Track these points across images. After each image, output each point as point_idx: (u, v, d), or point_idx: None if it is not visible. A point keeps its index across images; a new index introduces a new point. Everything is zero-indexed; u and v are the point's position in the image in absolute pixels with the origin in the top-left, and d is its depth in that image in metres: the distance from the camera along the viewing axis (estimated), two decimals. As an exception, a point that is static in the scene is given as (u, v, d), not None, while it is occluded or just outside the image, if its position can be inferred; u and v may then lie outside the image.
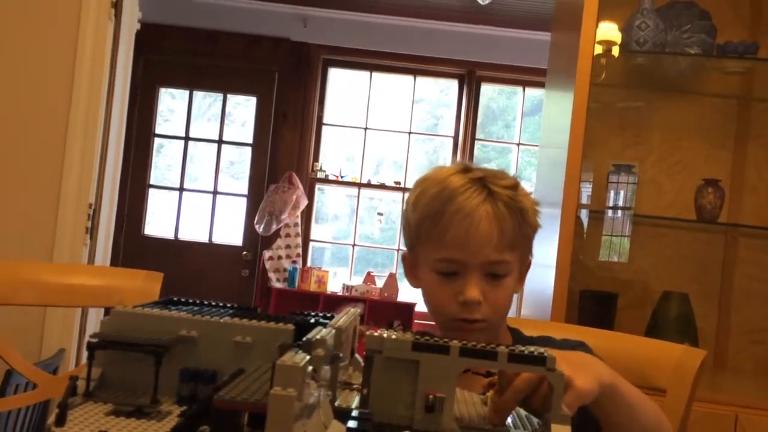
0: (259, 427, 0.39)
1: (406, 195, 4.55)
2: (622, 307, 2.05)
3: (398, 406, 0.51)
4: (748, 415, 1.63)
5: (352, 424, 0.44)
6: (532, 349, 0.51)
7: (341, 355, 0.53)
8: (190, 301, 0.63)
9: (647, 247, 2.11)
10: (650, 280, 2.10)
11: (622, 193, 2.08)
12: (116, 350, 0.52)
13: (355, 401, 0.55)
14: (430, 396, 0.50)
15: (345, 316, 0.58)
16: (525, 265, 1.09)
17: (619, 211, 2.08)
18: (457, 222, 0.98)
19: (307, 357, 0.41)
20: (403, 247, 4.95)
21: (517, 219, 1.01)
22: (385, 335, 0.51)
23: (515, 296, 1.14)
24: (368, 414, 0.47)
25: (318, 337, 0.46)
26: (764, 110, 2.15)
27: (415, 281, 1.09)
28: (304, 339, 0.46)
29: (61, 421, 0.46)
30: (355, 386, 0.59)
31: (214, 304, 0.63)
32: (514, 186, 1.03)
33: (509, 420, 0.54)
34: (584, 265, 2.11)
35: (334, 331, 0.50)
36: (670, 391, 1.24)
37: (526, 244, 1.06)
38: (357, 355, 0.62)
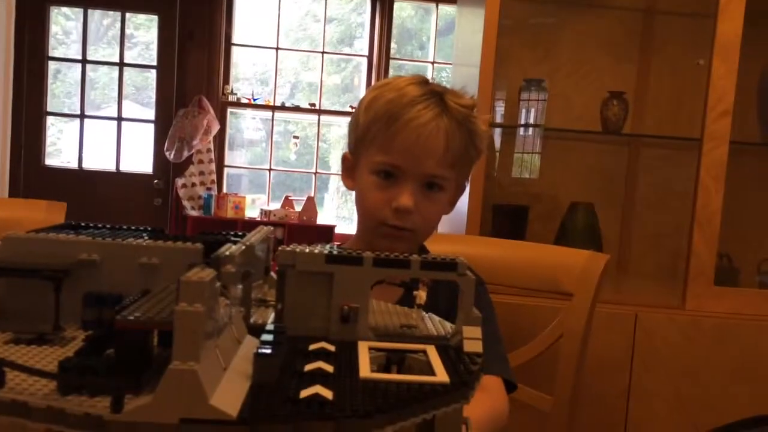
0: (171, 346, 0.38)
1: (322, 117, 4.46)
2: (532, 219, 2.13)
3: (313, 319, 0.51)
4: (647, 314, 1.75)
5: (266, 337, 0.44)
6: (443, 255, 0.52)
7: (253, 271, 0.52)
8: (91, 225, 0.60)
9: (557, 160, 2.18)
10: (559, 193, 2.18)
11: (533, 108, 2.11)
12: (11, 278, 0.50)
13: (271, 317, 0.55)
14: (345, 307, 0.50)
15: (258, 234, 0.57)
16: (459, 189, 1.11)
17: (531, 128, 2.12)
18: (409, 130, 0.99)
19: (214, 273, 0.40)
20: (321, 170, 4.91)
21: (466, 139, 1.02)
22: (297, 249, 0.50)
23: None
24: (283, 327, 0.47)
25: (227, 253, 0.45)
26: (667, 23, 2.21)
27: (351, 183, 1.10)
28: (213, 255, 0.45)
29: (-47, 354, 0.43)
30: (270, 303, 0.59)
31: (117, 227, 0.61)
32: (471, 106, 1.04)
33: (422, 324, 0.56)
34: (498, 181, 2.16)
35: (243, 247, 0.49)
36: (576, 294, 1.31)
37: (467, 167, 1.08)
38: (272, 273, 0.61)
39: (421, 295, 0.59)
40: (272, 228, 0.62)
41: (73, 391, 0.39)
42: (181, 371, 0.37)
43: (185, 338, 0.37)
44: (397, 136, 0.99)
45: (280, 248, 0.50)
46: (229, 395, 0.39)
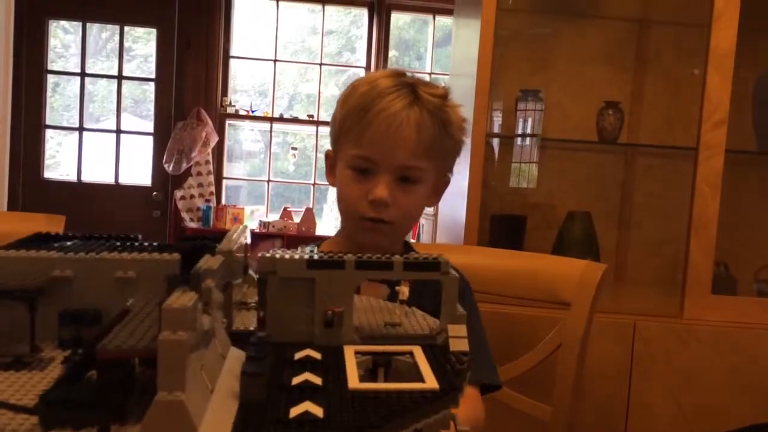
0: (154, 366, 0.38)
1: (320, 129, 4.47)
2: (530, 229, 2.12)
3: (297, 325, 0.50)
4: (645, 322, 1.74)
5: (251, 351, 0.43)
6: (425, 255, 0.51)
7: (232, 281, 0.52)
8: (61, 235, 0.59)
9: (554, 170, 2.18)
10: (556, 202, 2.17)
11: (530, 119, 2.11)
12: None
13: (253, 322, 0.54)
14: (329, 312, 0.50)
15: (234, 235, 0.56)
16: (443, 181, 1.10)
17: (528, 138, 2.12)
18: (379, 122, 0.99)
19: (196, 296, 0.39)
20: (319, 181, 4.92)
21: (439, 129, 1.02)
22: (278, 255, 0.50)
23: (432, 220, 1.15)
24: (266, 337, 0.46)
25: (206, 267, 0.44)
26: (662, 33, 2.22)
27: (332, 179, 1.10)
28: (192, 272, 0.44)
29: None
30: (251, 304, 0.58)
31: (89, 236, 0.59)
32: (443, 96, 1.04)
33: (406, 320, 0.55)
34: (496, 190, 2.16)
35: (223, 258, 0.49)
36: (574, 303, 1.30)
37: (446, 157, 1.07)
38: (251, 272, 0.60)
39: (404, 290, 0.58)
40: (246, 225, 0.61)
41: (57, 424, 0.38)
42: (168, 403, 0.36)
43: (170, 368, 0.36)
44: (368, 128, 1.00)
45: (260, 255, 0.50)
46: (217, 421, 0.38)
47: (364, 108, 1.00)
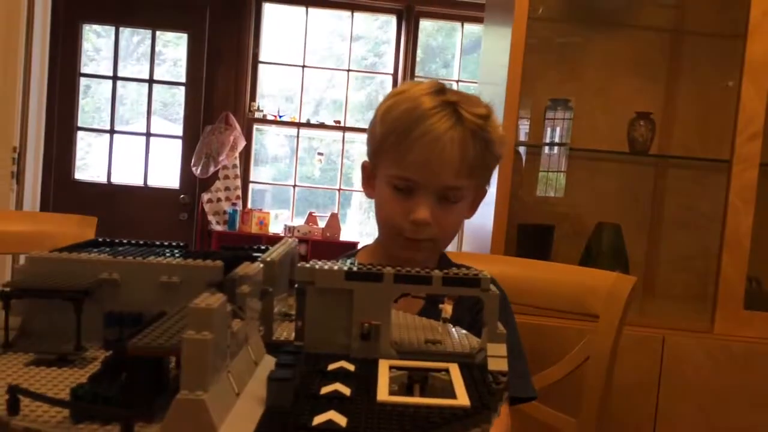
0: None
1: (347, 134, 4.46)
2: (558, 239, 2.10)
3: (334, 337, 0.51)
4: (675, 337, 1.71)
5: (282, 359, 0.43)
6: (466, 271, 0.51)
7: (271, 289, 0.52)
8: (116, 241, 0.60)
9: (582, 180, 2.16)
10: (585, 213, 2.15)
11: (558, 128, 2.10)
12: (34, 298, 0.50)
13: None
14: (366, 324, 0.50)
15: (281, 248, 0.57)
16: (480, 193, 1.10)
17: (556, 147, 2.10)
18: (422, 144, 0.98)
19: (224, 298, 0.40)
20: (344, 187, 4.91)
21: (481, 148, 1.01)
22: (317, 266, 0.50)
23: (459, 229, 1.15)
24: (299, 347, 0.46)
25: (242, 273, 0.45)
26: (695, 44, 2.19)
27: (370, 191, 1.10)
28: (227, 276, 0.44)
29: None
30: (294, 317, 0.58)
31: (142, 243, 0.61)
32: (486, 116, 1.02)
33: (448, 338, 0.55)
34: (523, 199, 2.14)
35: (261, 266, 0.49)
36: (602, 316, 1.29)
37: (486, 173, 1.07)
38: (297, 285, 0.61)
39: (447, 308, 0.58)
40: (296, 240, 0.62)
41: (86, 418, 0.39)
42: (189, 401, 0.36)
43: (193, 367, 0.36)
44: (410, 150, 0.99)
45: (299, 265, 0.50)
46: (239, 423, 0.38)
47: (406, 129, 0.98)
